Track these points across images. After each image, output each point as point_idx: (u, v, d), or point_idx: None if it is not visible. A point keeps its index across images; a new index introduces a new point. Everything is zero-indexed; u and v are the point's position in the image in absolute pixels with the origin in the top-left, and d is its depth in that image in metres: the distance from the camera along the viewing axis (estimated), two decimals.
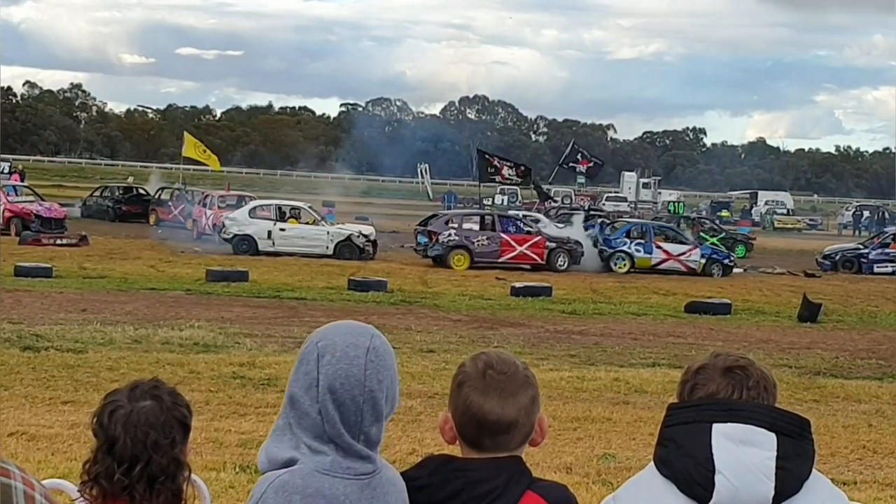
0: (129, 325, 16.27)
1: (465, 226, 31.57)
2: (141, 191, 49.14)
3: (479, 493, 2.49)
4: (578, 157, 40.60)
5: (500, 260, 30.38)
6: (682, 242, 33.52)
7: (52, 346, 14.08)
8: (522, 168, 39.07)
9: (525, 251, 30.66)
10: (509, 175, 37.58)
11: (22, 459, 8.35)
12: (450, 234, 30.76)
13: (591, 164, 40.97)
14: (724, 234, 42.26)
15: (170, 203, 44.11)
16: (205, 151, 44.43)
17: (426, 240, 31.21)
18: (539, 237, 31.22)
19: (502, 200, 67.40)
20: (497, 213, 32.57)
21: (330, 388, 2.43)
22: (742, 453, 2.41)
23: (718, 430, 2.43)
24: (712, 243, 36.33)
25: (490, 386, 2.53)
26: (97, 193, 49.19)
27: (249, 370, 13.07)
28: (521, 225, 32.29)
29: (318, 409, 2.44)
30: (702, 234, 38.83)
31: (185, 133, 47.78)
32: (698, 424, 2.46)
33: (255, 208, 33.21)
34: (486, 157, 38.86)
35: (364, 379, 2.44)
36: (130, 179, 56.02)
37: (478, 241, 30.66)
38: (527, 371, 2.60)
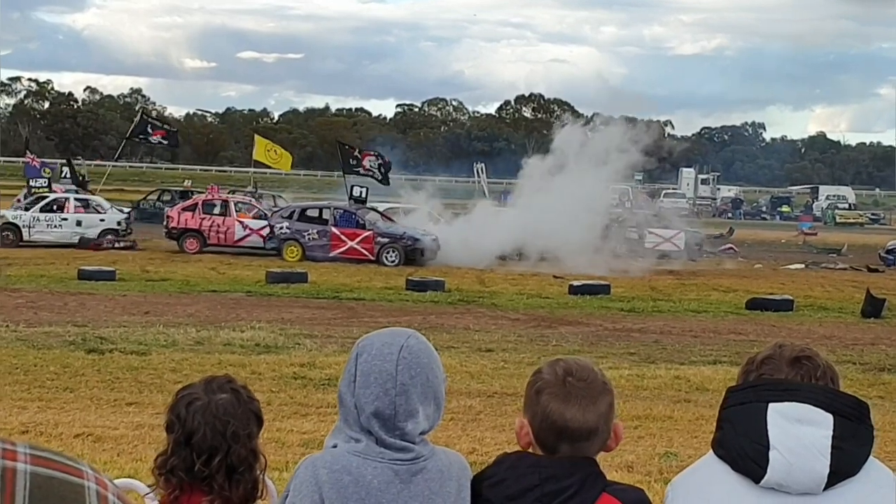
0: (191, 327, 16.46)
1: (301, 219, 31.61)
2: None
3: (554, 489, 2.48)
4: (149, 127, 38.24)
5: (330, 254, 30.31)
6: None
7: (116, 348, 14.28)
8: (384, 159, 37.69)
9: (355, 246, 30.52)
10: (371, 166, 36.74)
11: (88, 461, 8.45)
12: (282, 227, 31.11)
13: (167, 133, 38.42)
14: None
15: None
16: (277, 153, 43.94)
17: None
18: (369, 232, 30.79)
19: None
20: (337, 207, 32.21)
21: (364, 383, 2.54)
22: (798, 431, 2.39)
23: (775, 408, 2.42)
24: None
25: (570, 393, 2.51)
26: (154, 197, 48.52)
27: (310, 370, 13.16)
28: (359, 220, 31.48)
29: (355, 403, 2.56)
30: None
31: (256, 136, 47.01)
32: (755, 405, 2.45)
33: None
34: (346, 147, 37.62)
35: (396, 374, 2.53)
36: (188, 183, 55.82)
37: (308, 234, 30.89)
38: (604, 377, 2.60)
